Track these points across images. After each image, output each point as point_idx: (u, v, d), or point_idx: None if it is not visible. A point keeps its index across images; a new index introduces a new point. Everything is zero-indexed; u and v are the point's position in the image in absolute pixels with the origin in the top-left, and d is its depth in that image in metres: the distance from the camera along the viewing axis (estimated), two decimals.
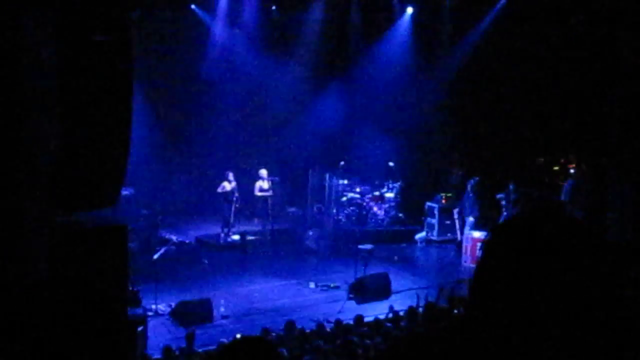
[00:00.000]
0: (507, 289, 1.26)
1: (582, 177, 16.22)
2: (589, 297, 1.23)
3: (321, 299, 12.82)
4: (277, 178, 18.17)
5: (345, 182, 18.57)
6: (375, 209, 18.42)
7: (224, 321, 11.35)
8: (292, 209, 19.06)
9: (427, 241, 17.38)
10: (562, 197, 15.94)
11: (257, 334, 9.39)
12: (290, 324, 9.90)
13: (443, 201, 17.52)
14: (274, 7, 19.64)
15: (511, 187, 15.93)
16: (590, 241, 1.28)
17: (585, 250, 1.27)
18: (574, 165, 17.69)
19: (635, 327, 1.28)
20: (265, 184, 16.95)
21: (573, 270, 1.24)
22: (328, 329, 9.82)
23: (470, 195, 16.28)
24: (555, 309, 1.22)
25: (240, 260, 15.49)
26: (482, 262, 1.34)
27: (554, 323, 1.22)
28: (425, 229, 17.70)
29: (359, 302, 12.25)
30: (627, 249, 12.65)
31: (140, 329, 9.40)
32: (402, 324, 9.97)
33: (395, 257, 15.81)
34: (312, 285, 13.56)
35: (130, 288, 10.26)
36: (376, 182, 18.89)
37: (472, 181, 16.36)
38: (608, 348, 1.22)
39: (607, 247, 1.29)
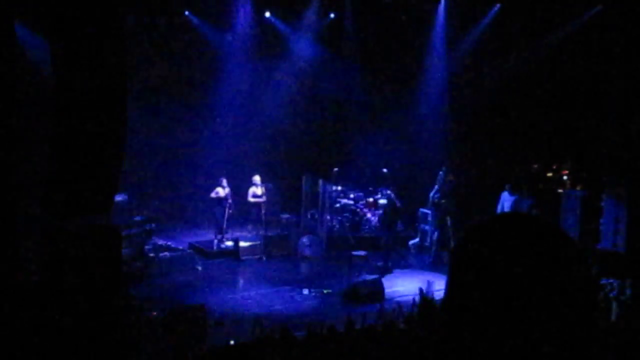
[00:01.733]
0: (478, 292, 1.26)
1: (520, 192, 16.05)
2: (561, 299, 1.23)
3: (315, 305, 12.83)
4: (270, 184, 18.19)
5: (339, 188, 18.59)
6: (368, 215, 18.44)
7: (217, 327, 11.33)
8: (286, 215, 19.06)
9: (420, 247, 17.39)
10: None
11: (250, 341, 9.40)
12: (284, 330, 9.89)
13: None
14: (267, 14, 19.69)
15: (441, 173, 15.84)
16: (563, 245, 1.28)
17: (558, 253, 1.27)
18: (567, 172, 17.76)
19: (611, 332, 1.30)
20: (258, 190, 16.94)
21: (544, 273, 1.24)
22: (324, 335, 9.81)
23: (387, 210, 15.68)
24: (526, 310, 1.23)
25: (233, 267, 15.47)
26: (453, 266, 1.34)
27: (524, 324, 1.22)
28: (419, 235, 17.71)
29: (352, 308, 12.23)
30: (619, 258, 12.70)
31: (133, 335, 9.37)
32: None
33: (390, 264, 15.83)
34: (305, 291, 13.57)
35: (124, 294, 10.23)
36: (370, 189, 18.92)
37: (391, 194, 15.67)
38: (578, 350, 1.23)
39: (581, 251, 1.30)
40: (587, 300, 1.26)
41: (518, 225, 1.31)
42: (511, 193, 15.72)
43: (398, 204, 15.75)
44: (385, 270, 14.99)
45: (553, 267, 1.25)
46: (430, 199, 16.06)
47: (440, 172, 15.97)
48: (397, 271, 15.38)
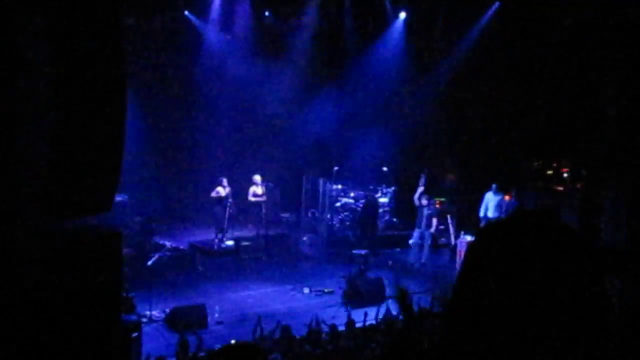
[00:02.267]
0: (489, 290, 1.26)
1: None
2: (572, 299, 1.23)
3: (315, 304, 12.82)
4: (271, 183, 18.19)
5: (339, 187, 18.58)
6: None
7: (218, 327, 11.34)
8: (286, 215, 19.05)
9: (421, 246, 17.35)
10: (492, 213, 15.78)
11: (251, 340, 9.40)
12: (285, 330, 9.89)
13: (437, 206, 17.49)
14: (267, 13, 19.68)
15: (422, 175, 15.78)
16: (577, 245, 1.29)
17: (571, 254, 1.27)
18: (567, 170, 17.74)
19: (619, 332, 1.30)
20: (259, 190, 16.94)
21: (557, 272, 1.24)
22: (323, 334, 9.81)
23: (366, 210, 15.64)
24: (538, 310, 1.23)
25: (234, 266, 15.47)
26: (466, 264, 1.34)
27: (534, 323, 1.22)
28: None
29: (353, 307, 12.25)
30: (618, 253, 12.69)
31: (134, 335, 9.37)
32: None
33: (390, 262, 15.84)
34: (306, 290, 13.57)
35: (125, 294, 10.23)
36: (370, 187, 18.91)
37: (389, 191, 15.58)
38: (589, 348, 1.23)
39: (594, 251, 1.29)
40: (599, 297, 1.26)
41: (533, 224, 1.31)
42: (496, 193, 15.75)
43: (377, 205, 15.77)
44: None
45: (568, 265, 1.25)
46: (416, 202, 15.85)
47: (421, 174, 15.84)
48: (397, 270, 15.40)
